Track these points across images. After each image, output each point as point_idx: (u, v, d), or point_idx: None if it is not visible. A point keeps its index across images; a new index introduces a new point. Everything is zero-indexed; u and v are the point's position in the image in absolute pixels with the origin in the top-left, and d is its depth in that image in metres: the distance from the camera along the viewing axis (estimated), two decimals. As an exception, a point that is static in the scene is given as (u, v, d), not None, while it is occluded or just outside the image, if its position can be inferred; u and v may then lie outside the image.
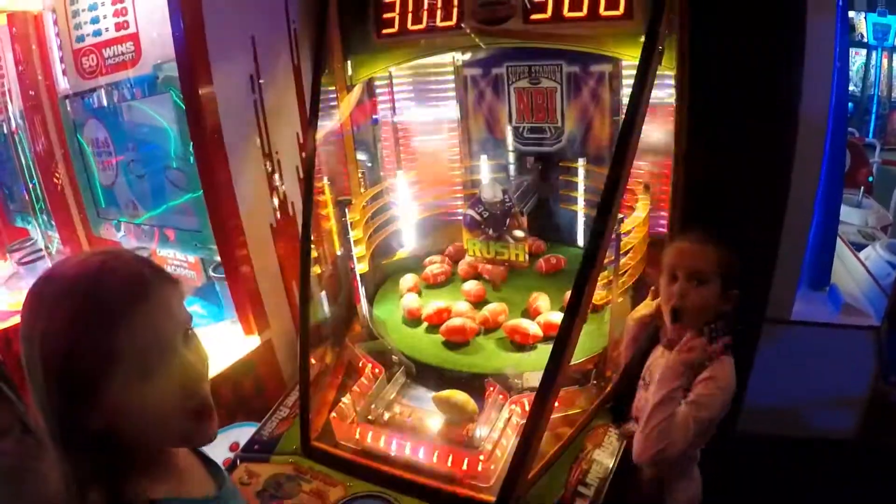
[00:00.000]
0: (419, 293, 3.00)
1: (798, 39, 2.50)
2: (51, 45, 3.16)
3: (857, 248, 4.27)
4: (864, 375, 2.91)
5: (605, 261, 2.22)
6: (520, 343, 2.53)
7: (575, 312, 1.91)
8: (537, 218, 3.14)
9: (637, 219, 2.56)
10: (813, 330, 2.92)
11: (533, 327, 2.54)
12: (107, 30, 2.75)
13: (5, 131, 3.98)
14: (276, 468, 2.18)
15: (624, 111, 2.46)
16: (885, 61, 12.86)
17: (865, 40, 12.92)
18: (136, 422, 0.98)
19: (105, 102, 2.92)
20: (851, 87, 13.22)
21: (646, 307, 2.20)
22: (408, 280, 3.05)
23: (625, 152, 1.99)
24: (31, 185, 3.43)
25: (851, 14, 13.34)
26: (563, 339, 1.90)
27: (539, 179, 3.25)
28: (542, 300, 2.73)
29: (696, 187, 2.45)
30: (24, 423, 1.16)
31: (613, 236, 2.25)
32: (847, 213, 5.36)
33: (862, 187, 5.78)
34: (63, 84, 3.16)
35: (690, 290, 1.87)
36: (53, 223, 3.56)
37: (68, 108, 3.16)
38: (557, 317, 2.51)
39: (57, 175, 3.38)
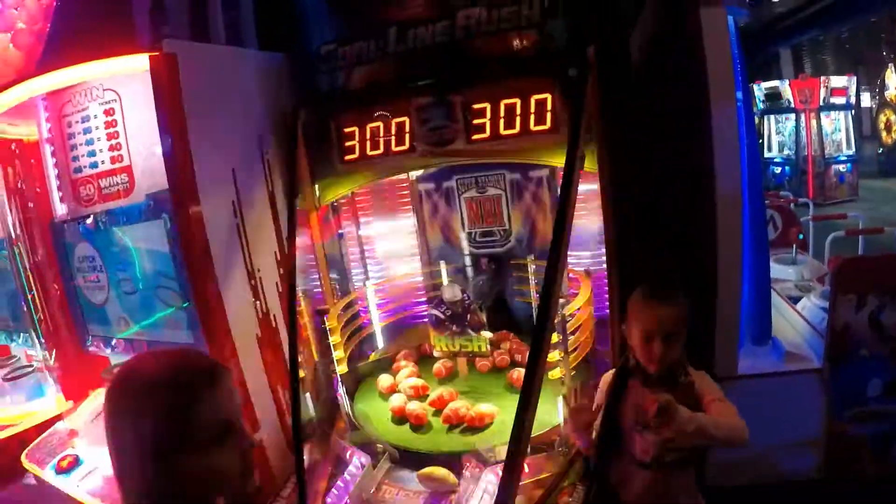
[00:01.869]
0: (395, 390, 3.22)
1: (704, 126, 2.86)
2: (48, 173, 3.40)
3: (796, 300, 4.61)
4: (817, 415, 3.12)
5: (555, 340, 2.56)
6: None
7: (530, 387, 2.20)
8: (496, 312, 3.42)
9: (579, 301, 2.87)
10: (761, 381, 3.12)
11: (463, 410, 2.85)
12: (103, 162, 3.02)
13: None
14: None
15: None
16: (813, 122, 13.54)
17: (792, 105, 13.72)
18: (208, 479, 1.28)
19: (99, 227, 3.14)
20: (787, 151, 14.13)
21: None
22: (385, 380, 3.28)
23: (559, 244, 2.35)
24: (30, 297, 3.60)
25: (776, 83, 14.30)
26: (521, 411, 2.19)
27: (494, 277, 3.57)
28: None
29: (628, 270, 2.79)
30: None
31: (559, 319, 2.57)
32: (782, 271, 5.80)
33: (794, 245, 6.18)
34: (60, 210, 3.39)
35: (667, 348, 2.12)
36: (42, 340, 3.71)
37: (64, 232, 3.37)
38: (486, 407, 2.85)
39: (56, 286, 3.56)
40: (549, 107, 2.71)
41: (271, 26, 3.39)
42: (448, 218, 3.65)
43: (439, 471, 2.48)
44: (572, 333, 2.76)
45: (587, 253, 3.19)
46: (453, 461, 2.57)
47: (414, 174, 3.62)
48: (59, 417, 3.66)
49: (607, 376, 2.31)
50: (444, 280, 3.61)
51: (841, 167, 13.69)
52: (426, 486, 2.47)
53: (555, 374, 2.79)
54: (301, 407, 2.77)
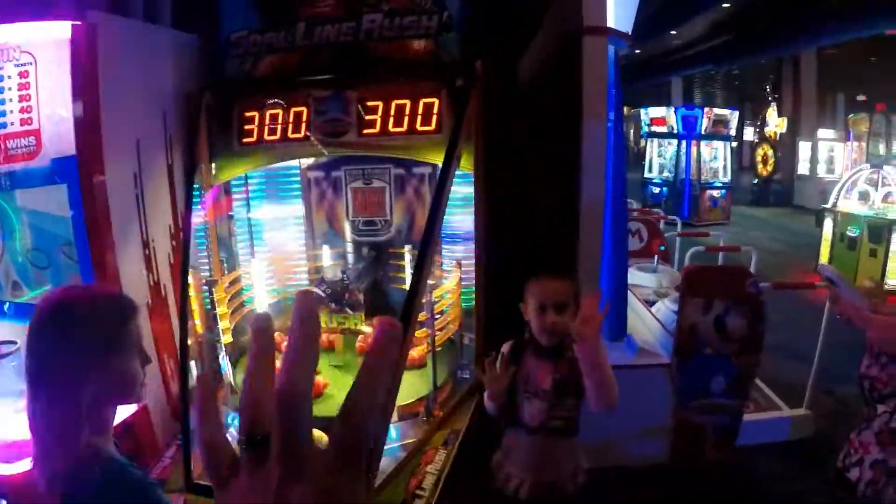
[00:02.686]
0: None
1: (575, 140, 3.21)
2: None
3: (653, 304, 5.14)
4: (665, 406, 3.48)
5: (422, 318, 2.87)
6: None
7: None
8: (373, 297, 3.66)
9: (445, 287, 3.20)
10: (616, 373, 3.44)
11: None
12: (12, 123, 3.02)
13: None
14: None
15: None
16: (694, 149, 14.67)
17: (676, 131, 14.80)
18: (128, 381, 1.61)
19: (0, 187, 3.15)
20: (666, 173, 15.25)
21: None
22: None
23: (431, 232, 2.67)
24: None
25: (662, 111, 15.36)
26: None
27: (373, 264, 3.81)
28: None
29: (493, 266, 3.14)
30: None
31: (427, 300, 2.89)
32: (644, 278, 6.46)
33: (656, 256, 6.89)
34: None
35: (559, 318, 2.37)
36: None
37: None
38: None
39: None
40: (435, 110, 2.98)
41: (188, 8, 3.54)
42: (334, 205, 3.86)
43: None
44: (440, 314, 3.08)
45: (460, 247, 3.48)
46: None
47: (305, 162, 3.82)
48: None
49: (505, 347, 2.52)
50: (327, 264, 3.83)
51: (715, 192, 14.96)
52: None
53: (420, 349, 3.15)
54: (187, 375, 2.94)
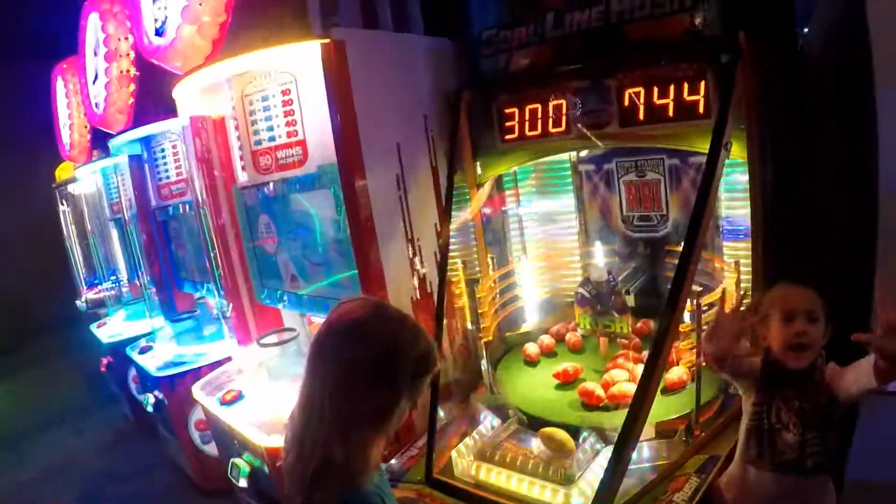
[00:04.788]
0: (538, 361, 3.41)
1: (867, 114, 2.66)
2: (231, 145, 3.83)
3: None
4: None
5: (689, 329, 2.59)
6: (589, 404, 2.91)
7: (650, 373, 2.31)
8: (647, 299, 3.37)
9: (716, 294, 2.84)
10: None
11: (598, 390, 2.90)
12: (280, 136, 3.40)
13: (180, 211, 4.88)
14: (402, 493, 2.63)
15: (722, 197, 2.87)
16: None
17: None
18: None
19: (276, 193, 3.55)
20: None
21: None
22: (530, 347, 3.45)
23: (696, 232, 2.40)
24: (213, 254, 4.02)
25: None
26: (639, 395, 2.32)
27: (648, 262, 3.55)
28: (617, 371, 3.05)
29: (777, 265, 2.74)
30: None
31: (693, 307, 2.61)
32: None
33: None
34: (242, 177, 3.85)
35: (809, 328, 2.12)
36: (222, 292, 4.19)
37: (244, 197, 3.85)
38: (629, 387, 2.86)
39: (236, 246, 4.01)
40: (701, 93, 2.66)
41: (437, 13, 3.58)
42: (607, 200, 3.66)
43: (560, 433, 2.58)
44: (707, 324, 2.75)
45: (742, 245, 3.12)
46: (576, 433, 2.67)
47: (575, 155, 3.67)
48: (229, 359, 4.15)
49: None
50: (599, 262, 3.63)
51: None
52: (545, 445, 2.58)
53: (679, 371, 2.88)
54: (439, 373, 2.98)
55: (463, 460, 2.67)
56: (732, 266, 2.95)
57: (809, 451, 2.13)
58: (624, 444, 2.27)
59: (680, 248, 3.23)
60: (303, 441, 1.61)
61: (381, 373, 1.61)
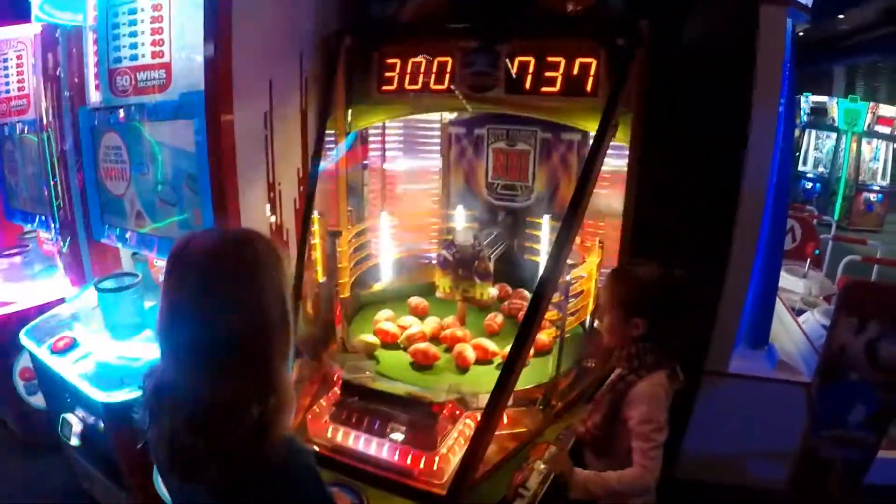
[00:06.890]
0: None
1: (742, 123, 2.86)
2: (87, 62, 3.37)
3: (799, 313, 4.66)
4: (796, 429, 3.10)
5: (555, 299, 2.60)
6: (461, 365, 2.91)
7: (524, 339, 2.31)
8: (504, 265, 3.43)
9: (585, 267, 2.89)
10: (749, 383, 3.17)
11: (469, 350, 2.92)
12: (143, 56, 2.99)
13: (16, 132, 4.26)
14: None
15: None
16: (854, 145, 13.43)
17: (836, 125, 13.63)
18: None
19: (130, 119, 3.14)
20: (821, 169, 14.10)
21: None
22: (385, 313, 3.35)
23: (576, 209, 2.41)
24: (52, 183, 3.66)
25: (823, 98, 14.18)
26: (509, 365, 2.31)
27: (508, 231, 3.59)
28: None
29: (640, 248, 2.82)
30: None
31: (562, 280, 2.60)
32: (793, 283, 5.77)
33: (808, 259, 6.13)
34: (94, 97, 3.37)
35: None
36: (58, 226, 3.81)
37: (93, 119, 3.36)
38: (490, 343, 2.95)
39: (78, 175, 3.62)
40: (592, 71, 2.69)
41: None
42: (473, 164, 3.67)
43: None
44: (574, 296, 2.79)
45: (602, 223, 3.20)
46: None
47: (446, 116, 3.62)
48: (61, 301, 3.75)
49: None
50: (459, 226, 3.63)
51: (871, 196, 13.53)
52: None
53: (549, 333, 2.88)
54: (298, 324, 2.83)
55: (318, 422, 2.54)
56: (598, 245, 3.02)
57: None
58: (493, 411, 2.26)
59: (540, 221, 3.31)
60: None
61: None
